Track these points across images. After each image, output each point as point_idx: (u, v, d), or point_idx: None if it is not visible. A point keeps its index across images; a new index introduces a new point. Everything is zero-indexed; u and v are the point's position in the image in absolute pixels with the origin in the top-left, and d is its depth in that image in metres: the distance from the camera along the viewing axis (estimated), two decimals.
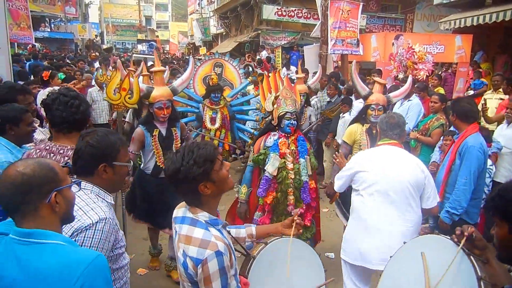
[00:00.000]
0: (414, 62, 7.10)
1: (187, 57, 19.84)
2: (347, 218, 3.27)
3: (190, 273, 1.56)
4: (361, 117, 3.81)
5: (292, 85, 4.49)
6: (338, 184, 2.97)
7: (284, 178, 3.20)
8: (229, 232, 1.77)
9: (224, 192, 1.78)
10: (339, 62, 10.11)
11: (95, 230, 1.57)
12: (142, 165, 3.55)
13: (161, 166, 3.40)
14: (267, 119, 5.69)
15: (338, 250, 4.35)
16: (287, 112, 3.23)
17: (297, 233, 2.00)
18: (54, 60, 12.12)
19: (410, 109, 5.38)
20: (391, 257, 2.14)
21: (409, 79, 4.36)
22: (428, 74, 7.10)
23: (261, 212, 3.32)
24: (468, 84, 8.27)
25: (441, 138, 4.57)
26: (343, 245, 2.94)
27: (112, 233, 1.67)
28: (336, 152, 3.40)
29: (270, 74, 4.84)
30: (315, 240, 3.69)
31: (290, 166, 3.23)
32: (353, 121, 3.91)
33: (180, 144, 3.54)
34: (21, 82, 7.08)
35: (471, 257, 1.72)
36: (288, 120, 3.22)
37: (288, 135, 3.29)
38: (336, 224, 4.97)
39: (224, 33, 23.37)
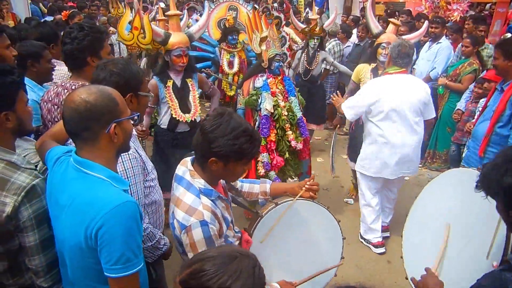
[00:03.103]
0: (447, 2, 6.60)
1: None
2: (353, 161, 3.78)
3: (176, 234, 1.55)
4: (371, 56, 4.03)
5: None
6: (351, 114, 3.29)
7: (280, 115, 3.39)
8: (227, 200, 1.70)
9: (226, 180, 1.74)
10: (366, 2, 9.50)
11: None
12: (158, 120, 3.44)
13: (177, 118, 3.27)
14: (284, 64, 5.52)
15: (356, 196, 4.41)
16: (277, 54, 3.38)
17: (308, 196, 1.88)
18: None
19: (439, 53, 5.08)
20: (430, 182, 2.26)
21: (425, 24, 4.33)
22: (462, 15, 6.61)
23: (266, 152, 3.43)
24: (506, 27, 7.68)
25: (471, 85, 4.34)
26: (362, 163, 3.42)
27: (137, 160, 1.71)
28: (334, 93, 3.65)
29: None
30: (309, 174, 3.84)
31: (282, 104, 3.41)
32: (365, 60, 4.17)
33: (197, 97, 3.39)
34: (50, 18, 7.05)
35: None
36: (277, 62, 3.39)
37: (276, 76, 3.43)
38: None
39: None
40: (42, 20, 6.66)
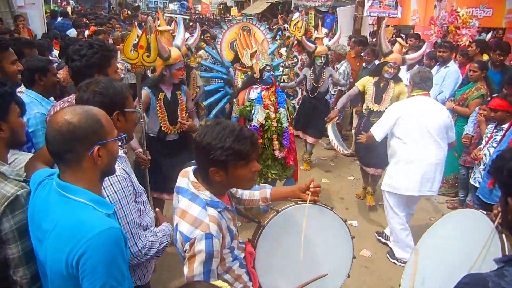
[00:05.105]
0: (456, 27, 6.62)
1: (217, 18, 19.47)
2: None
3: (178, 247, 1.53)
4: (375, 71, 4.34)
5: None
6: (379, 132, 3.50)
7: (270, 126, 3.63)
8: (233, 210, 1.69)
9: (239, 188, 1.70)
10: (375, 26, 9.61)
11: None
12: (146, 128, 3.41)
13: (166, 131, 3.35)
14: (297, 85, 5.56)
15: (361, 218, 4.35)
16: (267, 64, 3.58)
17: (312, 200, 1.84)
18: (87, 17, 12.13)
19: (447, 76, 5.07)
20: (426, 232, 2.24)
21: (425, 45, 4.61)
22: (471, 40, 6.63)
23: None
24: None
25: (477, 109, 4.32)
26: (389, 181, 3.57)
27: (127, 180, 1.67)
28: (361, 135, 3.81)
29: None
30: (295, 179, 4.06)
31: (273, 115, 3.65)
32: (371, 73, 4.42)
33: (185, 111, 3.44)
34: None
35: (502, 234, 1.67)
36: (268, 72, 3.59)
37: (268, 86, 3.66)
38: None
39: None
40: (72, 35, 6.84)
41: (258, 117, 3.57)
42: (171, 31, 3.59)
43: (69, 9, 10.00)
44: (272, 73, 3.67)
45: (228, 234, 1.59)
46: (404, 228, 3.62)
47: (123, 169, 1.68)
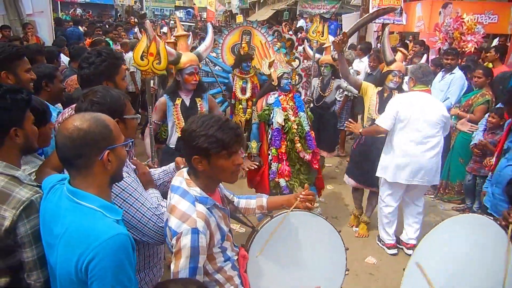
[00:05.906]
0: (462, 33, 6.61)
1: (223, 25, 19.60)
2: (352, 176, 4.16)
3: (168, 242, 1.55)
4: (380, 81, 4.15)
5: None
6: (387, 124, 3.56)
7: (290, 128, 3.66)
8: (224, 209, 1.70)
9: (220, 181, 1.71)
10: (380, 32, 9.62)
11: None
12: (167, 139, 3.46)
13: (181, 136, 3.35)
14: (297, 86, 5.56)
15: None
16: (285, 72, 3.66)
17: (304, 207, 1.86)
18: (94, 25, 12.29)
19: (452, 83, 5.06)
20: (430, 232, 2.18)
21: (424, 57, 4.63)
22: (476, 47, 6.61)
23: (277, 162, 3.70)
24: None
25: (486, 115, 4.29)
26: (381, 168, 3.72)
27: (130, 176, 1.67)
28: (348, 121, 3.88)
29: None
30: (319, 188, 4.05)
31: (292, 118, 3.69)
32: (375, 83, 4.19)
33: None
34: None
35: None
36: (286, 79, 3.67)
37: (286, 93, 3.71)
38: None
39: (261, 0, 22.81)
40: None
41: (277, 118, 3.62)
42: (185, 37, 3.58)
43: (84, 29, 10.09)
44: (290, 80, 3.72)
45: (218, 232, 1.60)
46: (386, 215, 3.83)
47: (124, 171, 1.69)
